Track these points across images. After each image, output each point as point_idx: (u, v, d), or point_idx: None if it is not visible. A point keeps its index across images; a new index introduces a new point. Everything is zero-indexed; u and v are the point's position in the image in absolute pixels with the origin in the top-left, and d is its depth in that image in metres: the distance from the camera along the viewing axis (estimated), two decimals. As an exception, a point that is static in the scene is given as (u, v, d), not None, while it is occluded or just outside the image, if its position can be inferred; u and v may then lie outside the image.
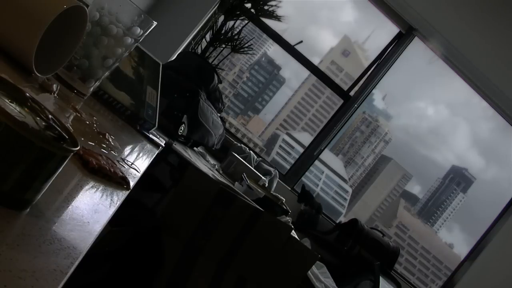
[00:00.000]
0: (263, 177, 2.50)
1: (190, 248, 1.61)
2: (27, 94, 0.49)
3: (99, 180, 0.64)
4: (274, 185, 2.99)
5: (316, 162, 4.28)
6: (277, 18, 2.89)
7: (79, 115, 0.86)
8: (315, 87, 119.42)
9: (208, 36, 2.83)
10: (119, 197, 0.65)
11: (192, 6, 3.06)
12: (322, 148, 3.44)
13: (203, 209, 1.60)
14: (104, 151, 0.77)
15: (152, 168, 2.04)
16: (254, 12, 2.87)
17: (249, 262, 1.64)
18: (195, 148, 2.42)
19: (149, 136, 1.26)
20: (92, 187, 0.60)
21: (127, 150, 0.95)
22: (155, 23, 1.07)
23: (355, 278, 2.81)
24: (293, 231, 1.86)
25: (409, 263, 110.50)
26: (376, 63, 3.43)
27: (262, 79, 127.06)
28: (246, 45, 2.82)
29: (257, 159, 3.02)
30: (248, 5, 2.85)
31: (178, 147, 1.94)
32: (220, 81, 2.47)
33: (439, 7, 3.26)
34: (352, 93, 3.44)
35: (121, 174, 0.70)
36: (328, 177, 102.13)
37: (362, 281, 2.76)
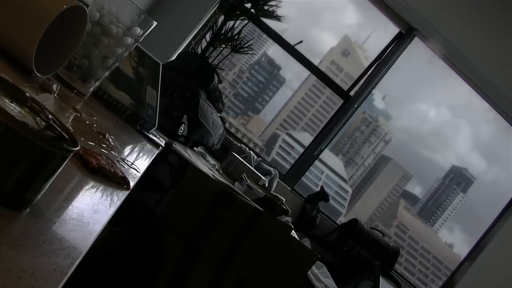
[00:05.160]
0: (263, 177, 2.50)
1: (190, 248, 1.61)
2: (27, 94, 0.49)
3: (99, 180, 0.64)
4: (274, 185, 2.99)
5: (316, 162, 4.27)
6: (277, 18, 2.89)
7: (79, 115, 0.86)
8: (315, 87, 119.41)
9: (208, 36, 2.84)
10: (119, 197, 0.65)
11: (192, 6, 3.06)
12: (322, 148, 3.44)
13: (203, 209, 1.60)
14: (104, 151, 0.77)
15: (152, 168, 2.05)
16: (254, 12, 2.87)
17: (249, 262, 1.64)
18: (195, 148, 2.42)
19: (149, 136, 1.26)
20: (92, 187, 0.60)
21: (127, 150, 0.95)
22: (155, 23, 1.07)
23: (355, 278, 2.81)
24: (293, 231, 1.86)
25: (409, 263, 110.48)
26: (376, 63, 3.43)
27: (262, 79, 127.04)
28: (246, 45, 2.82)
29: (257, 159, 3.02)
30: (248, 5, 2.85)
31: (178, 147, 1.94)
32: (220, 81, 2.47)
33: (439, 7, 3.26)
34: (352, 93, 3.44)
35: (121, 174, 0.70)
36: (328, 177, 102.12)
37: (362, 281, 2.76)
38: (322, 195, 3.16)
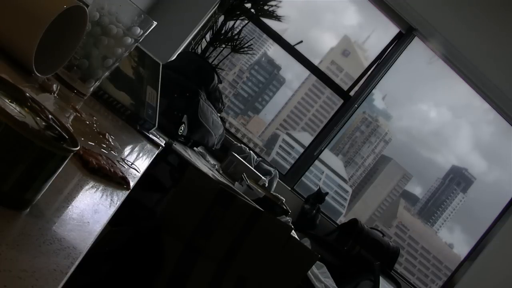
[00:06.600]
0: (263, 177, 2.50)
1: (190, 248, 1.61)
2: (27, 94, 0.49)
3: (99, 180, 0.64)
4: (274, 185, 2.99)
5: (316, 162, 4.27)
6: (277, 18, 2.89)
7: (79, 115, 0.86)
8: (315, 87, 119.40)
9: (208, 36, 2.84)
10: (119, 197, 0.65)
11: (192, 6, 3.06)
12: (322, 148, 3.44)
13: (203, 209, 1.60)
14: (104, 151, 0.77)
15: (152, 168, 2.05)
16: (254, 12, 2.87)
17: (249, 262, 1.64)
18: (195, 148, 2.42)
19: (149, 136, 1.26)
20: (92, 187, 0.60)
21: (127, 150, 0.95)
22: (155, 23, 1.07)
23: (355, 278, 2.81)
24: (293, 231, 1.86)
25: (409, 263, 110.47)
26: (376, 63, 3.43)
27: (262, 79, 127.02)
28: (246, 45, 2.82)
29: (257, 159, 3.02)
30: (248, 5, 2.85)
31: (178, 147, 1.94)
32: (220, 81, 2.47)
33: (439, 7, 3.26)
34: (352, 93, 3.44)
35: (121, 174, 0.70)
36: (328, 177, 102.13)
37: (362, 281, 2.76)
38: (317, 197, 3.15)
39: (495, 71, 3.28)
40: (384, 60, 3.39)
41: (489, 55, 3.28)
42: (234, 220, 1.61)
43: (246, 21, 2.92)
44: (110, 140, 0.85)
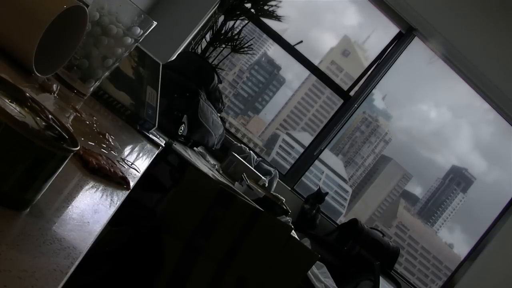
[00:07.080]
0: (263, 177, 2.50)
1: (190, 248, 1.61)
2: (27, 94, 0.49)
3: (99, 180, 0.64)
4: (274, 185, 2.99)
5: (316, 162, 4.26)
6: (277, 18, 2.89)
7: (79, 115, 0.86)
8: (315, 87, 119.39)
9: (208, 36, 2.84)
10: (119, 197, 0.65)
11: (192, 6, 3.06)
12: (322, 148, 3.44)
13: (203, 209, 1.60)
14: (104, 151, 0.77)
15: (152, 168, 2.05)
16: (254, 12, 2.87)
17: (249, 262, 1.64)
18: (195, 148, 2.42)
19: (149, 136, 1.26)
20: (92, 187, 0.60)
21: (127, 150, 0.95)
22: (155, 23, 1.07)
23: (355, 278, 2.81)
24: (293, 231, 1.86)
25: (409, 263, 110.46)
26: (376, 63, 3.43)
27: (262, 79, 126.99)
28: (246, 45, 2.82)
29: (257, 159, 3.02)
30: (248, 5, 2.85)
31: (178, 147, 1.94)
32: (220, 81, 2.47)
33: (439, 7, 3.26)
34: (352, 93, 3.44)
35: (121, 174, 0.70)
36: (328, 177, 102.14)
37: (362, 281, 2.76)
38: (317, 197, 3.15)
39: (495, 71, 3.28)
40: (384, 60, 3.39)
41: (489, 55, 3.28)
42: (234, 220, 1.61)
43: (246, 21, 2.92)
44: (110, 140, 0.85)
